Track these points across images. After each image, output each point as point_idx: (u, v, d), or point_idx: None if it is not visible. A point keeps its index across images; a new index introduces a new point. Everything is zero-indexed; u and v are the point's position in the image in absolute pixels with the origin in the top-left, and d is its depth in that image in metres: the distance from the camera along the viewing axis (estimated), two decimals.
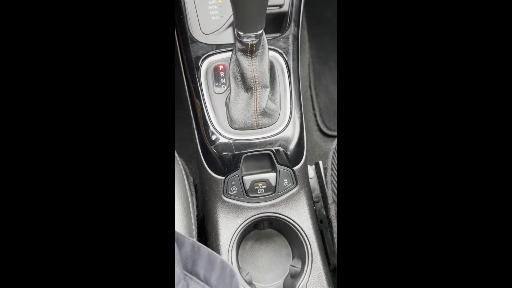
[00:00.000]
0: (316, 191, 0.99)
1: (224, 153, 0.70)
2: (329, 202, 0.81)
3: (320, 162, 0.97)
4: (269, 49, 0.72)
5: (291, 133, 0.72)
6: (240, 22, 0.59)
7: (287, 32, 0.75)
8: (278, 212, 0.75)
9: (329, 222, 0.83)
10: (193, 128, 0.75)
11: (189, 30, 0.74)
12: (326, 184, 0.94)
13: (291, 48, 0.75)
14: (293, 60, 0.75)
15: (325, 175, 0.99)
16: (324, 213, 0.97)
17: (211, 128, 0.70)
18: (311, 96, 1.31)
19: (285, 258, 0.81)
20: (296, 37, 0.76)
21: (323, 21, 1.31)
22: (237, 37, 0.62)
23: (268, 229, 0.81)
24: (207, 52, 0.73)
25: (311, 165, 0.98)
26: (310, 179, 0.93)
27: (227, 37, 0.76)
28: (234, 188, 0.72)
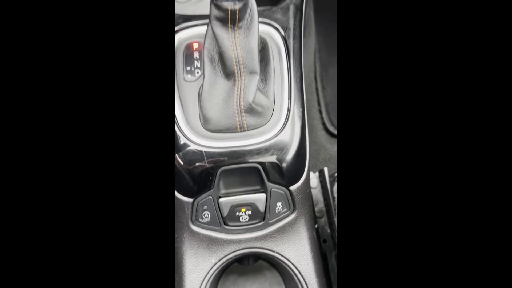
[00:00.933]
0: (320, 204, 0.93)
1: (193, 165, 0.56)
2: (335, 217, 0.73)
3: (325, 169, 0.89)
4: (262, 22, 0.62)
5: (289, 139, 0.60)
6: None
7: (287, 1, 0.64)
8: (268, 247, 0.63)
9: (335, 243, 0.76)
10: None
11: None
12: (332, 195, 0.88)
13: (291, 22, 0.64)
14: (294, 39, 0.63)
15: (331, 184, 0.91)
16: (329, 231, 0.91)
17: (177, 130, 0.56)
18: (317, 89, 1.21)
19: None
20: (299, 9, 0.64)
21: (333, 3, 1.23)
22: (215, 1, 0.48)
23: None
24: (178, 26, 0.62)
25: (314, 172, 0.90)
26: (312, 189, 0.86)
27: (206, 6, 0.61)
28: (206, 214, 0.59)
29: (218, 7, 0.47)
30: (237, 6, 0.49)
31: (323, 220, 0.96)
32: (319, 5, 1.20)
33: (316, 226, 0.80)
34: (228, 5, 0.48)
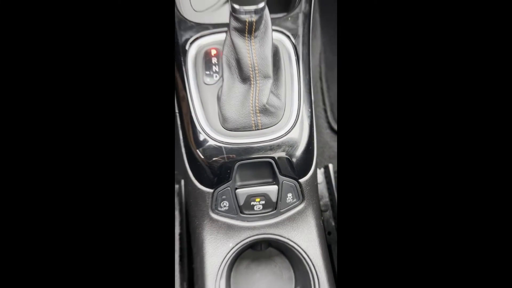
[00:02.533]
0: (325, 199, 0.96)
1: (213, 159, 0.60)
2: None
3: (330, 165, 0.93)
4: (274, 30, 0.64)
5: (298, 136, 0.63)
6: None
7: (297, 10, 0.67)
8: (279, 234, 0.67)
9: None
10: (177, 127, 0.65)
11: (176, 6, 0.65)
12: (336, 190, 0.90)
13: (301, 30, 0.66)
14: (303, 45, 0.66)
15: (336, 180, 0.95)
16: (333, 224, 0.94)
17: (199, 128, 0.60)
18: (322, 89, 1.24)
19: (287, 282, 0.73)
20: (307, 17, 0.67)
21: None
22: (232, 12, 0.52)
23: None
24: (197, 34, 0.64)
25: (319, 168, 0.94)
26: (318, 184, 0.86)
27: (223, 16, 0.67)
28: (225, 204, 0.63)
29: (237, 19, 0.52)
30: (254, 18, 0.52)
31: (328, 214, 0.97)
32: (324, 7, 1.22)
33: (322, 218, 0.83)
34: (246, 18, 0.52)
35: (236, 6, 0.50)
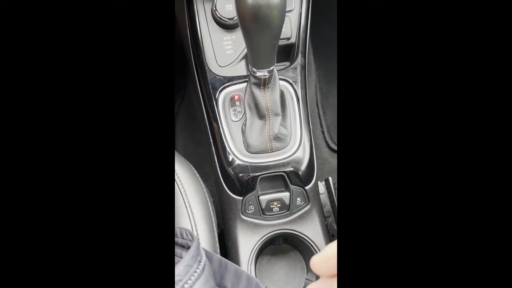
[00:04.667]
0: (327, 206, 1.02)
1: (241, 175, 0.75)
2: None
3: (330, 178, 0.99)
4: (279, 79, 0.76)
5: (302, 155, 0.75)
6: (255, 60, 0.65)
7: (295, 63, 0.80)
8: (292, 228, 0.79)
9: None
10: (213, 153, 0.80)
11: (206, 64, 0.81)
12: (337, 199, 0.96)
13: (299, 77, 0.80)
14: (301, 88, 0.79)
15: (335, 190, 1.01)
16: (336, 227, 1.00)
17: (230, 153, 0.75)
18: (319, 114, 1.34)
19: (300, 271, 0.84)
20: (303, 67, 0.81)
21: (328, 41, 1.35)
22: (252, 73, 0.68)
23: (283, 244, 0.85)
24: (224, 84, 0.79)
25: (321, 181, 1.01)
26: (320, 195, 0.96)
27: (241, 69, 0.81)
28: (251, 208, 0.77)
29: (255, 77, 0.67)
30: (267, 76, 0.66)
31: (331, 219, 1.01)
32: (316, 45, 1.33)
33: (325, 222, 0.91)
34: (262, 76, 0.67)
35: (255, 69, 0.66)
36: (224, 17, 0.79)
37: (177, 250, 0.53)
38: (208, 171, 0.91)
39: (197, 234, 0.65)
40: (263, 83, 0.69)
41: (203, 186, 0.78)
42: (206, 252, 0.51)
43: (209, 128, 0.80)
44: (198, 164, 1.10)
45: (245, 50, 0.81)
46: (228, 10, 0.79)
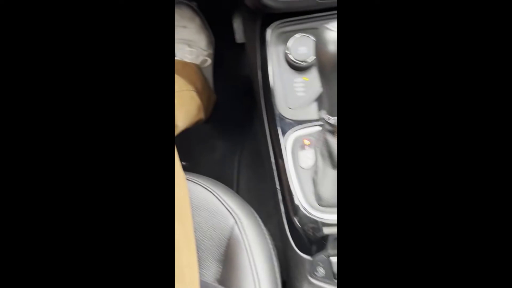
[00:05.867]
0: None
1: (311, 231, 0.70)
2: None
3: None
4: None
5: None
6: (332, 107, 0.62)
7: None
8: None
9: None
10: (279, 202, 0.76)
11: (276, 106, 0.79)
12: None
13: None
14: None
15: None
16: None
17: (299, 205, 0.71)
18: None
19: None
20: None
21: None
22: (327, 120, 0.65)
23: None
24: (293, 127, 0.77)
25: None
26: None
27: (312, 112, 0.78)
28: (321, 270, 0.71)
29: (330, 124, 0.64)
30: None
31: None
32: None
33: None
34: (335, 122, 0.63)
35: (330, 116, 0.63)
36: (297, 60, 0.78)
37: None
38: (271, 210, 0.88)
39: None
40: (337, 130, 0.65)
41: (264, 229, 0.73)
42: None
43: (277, 175, 0.77)
44: (261, 202, 1.07)
45: (317, 93, 0.79)
46: (301, 53, 0.78)
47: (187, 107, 1.00)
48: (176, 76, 0.97)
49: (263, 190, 1.21)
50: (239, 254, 0.66)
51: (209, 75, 1.28)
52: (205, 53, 1.22)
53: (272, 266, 0.68)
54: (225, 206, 0.72)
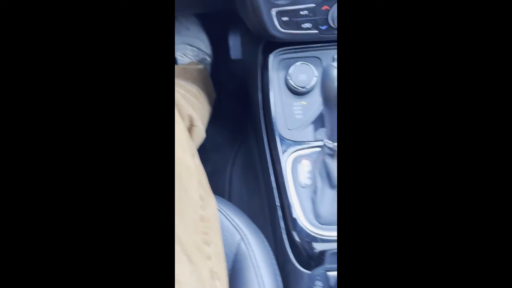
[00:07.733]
0: None
1: (310, 247, 0.74)
2: None
3: None
4: None
5: None
6: (332, 134, 0.67)
7: None
8: None
9: None
10: (278, 219, 0.80)
11: (276, 128, 0.83)
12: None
13: None
14: None
15: None
16: None
17: (299, 222, 0.74)
18: None
19: None
20: None
21: None
22: (326, 145, 0.70)
23: None
24: (292, 147, 0.81)
25: None
26: None
27: (309, 134, 0.83)
28: (319, 284, 0.74)
29: (329, 148, 0.69)
30: None
31: None
32: None
33: None
34: (335, 147, 0.68)
35: (330, 141, 0.68)
36: (297, 86, 0.82)
37: None
38: (262, 224, 0.91)
39: None
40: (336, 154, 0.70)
41: (269, 249, 0.75)
42: None
43: (277, 193, 0.80)
44: (252, 214, 1.10)
45: (314, 115, 0.83)
46: (301, 79, 0.82)
47: (198, 107, 1.03)
48: (179, 80, 1.01)
49: (254, 205, 1.23)
50: (246, 270, 0.67)
51: (207, 74, 1.30)
52: (205, 52, 1.27)
53: (276, 281, 0.70)
54: (231, 222, 0.74)
